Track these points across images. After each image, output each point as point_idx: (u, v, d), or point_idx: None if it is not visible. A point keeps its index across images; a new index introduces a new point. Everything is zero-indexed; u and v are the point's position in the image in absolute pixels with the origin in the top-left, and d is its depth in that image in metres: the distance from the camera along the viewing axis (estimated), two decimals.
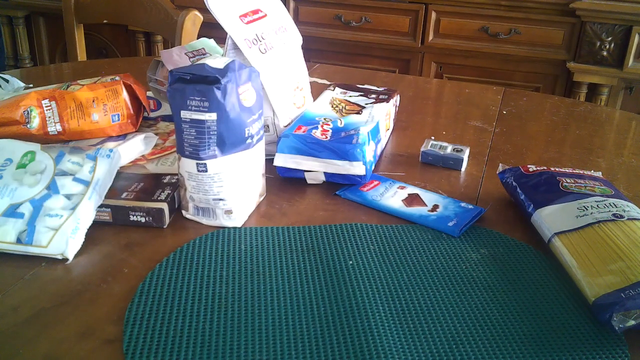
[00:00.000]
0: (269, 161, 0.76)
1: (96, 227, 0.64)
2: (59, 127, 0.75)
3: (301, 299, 0.54)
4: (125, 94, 0.78)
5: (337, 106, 0.86)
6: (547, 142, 0.95)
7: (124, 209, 0.65)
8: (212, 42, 0.95)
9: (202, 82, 0.60)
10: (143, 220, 0.65)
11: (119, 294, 0.55)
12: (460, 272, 0.59)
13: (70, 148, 0.68)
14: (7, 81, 0.93)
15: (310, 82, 0.92)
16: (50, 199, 0.62)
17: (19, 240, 0.59)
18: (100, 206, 0.64)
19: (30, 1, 2.33)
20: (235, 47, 0.75)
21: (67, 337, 0.49)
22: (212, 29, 1.15)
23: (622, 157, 0.90)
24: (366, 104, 0.88)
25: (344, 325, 0.51)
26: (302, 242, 0.63)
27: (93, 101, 0.76)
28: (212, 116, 0.61)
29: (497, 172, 0.76)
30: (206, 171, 0.63)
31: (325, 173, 0.75)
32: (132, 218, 0.65)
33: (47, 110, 0.74)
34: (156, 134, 0.80)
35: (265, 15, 0.81)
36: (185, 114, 0.61)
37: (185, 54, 0.89)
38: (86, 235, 0.61)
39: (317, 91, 0.97)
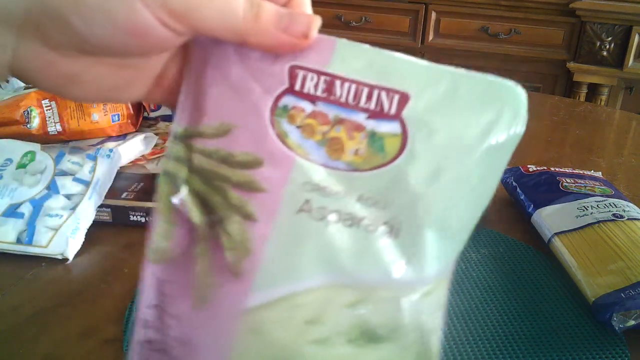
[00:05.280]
0: None
1: (96, 227, 0.64)
2: (59, 127, 0.75)
3: None
4: None
5: None
6: (547, 142, 0.95)
7: (124, 209, 0.65)
8: None
9: None
10: (143, 220, 0.65)
11: (119, 294, 0.55)
12: (460, 272, 0.59)
13: (70, 148, 0.68)
14: (7, 81, 0.93)
15: None
16: (50, 199, 0.62)
17: (19, 240, 0.59)
18: (100, 206, 0.64)
19: None
20: None
21: (67, 337, 0.49)
22: None
23: (622, 157, 0.90)
24: None
25: None
26: None
27: None
28: None
29: None
30: None
31: None
32: (132, 218, 0.65)
33: (47, 110, 0.74)
34: (156, 134, 0.80)
35: None
36: None
37: None
38: (86, 235, 0.61)
39: None
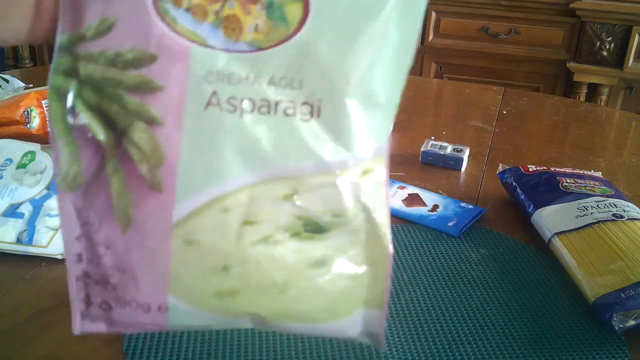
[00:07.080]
0: None
1: None
2: None
3: None
4: None
5: None
6: (547, 142, 0.95)
7: None
8: None
9: None
10: None
11: None
12: (460, 272, 0.59)
13: None
14: (7, 81, 0.93)
15: None
16: (50, 199, 0.62)
17: (19, 240, 0.59)
18: None
19: None
20: None
21: (67, 337, 0.49)
22: None
23: (622, 157, 0.90)
24: None
25: None
26: None
27: None
28: None
29: (497, 172, 0.76)
30: None
31: None
32: None
33: (47, 110, 0.74)
34: None
35: None
36: None
37: None
38: None
39: None
